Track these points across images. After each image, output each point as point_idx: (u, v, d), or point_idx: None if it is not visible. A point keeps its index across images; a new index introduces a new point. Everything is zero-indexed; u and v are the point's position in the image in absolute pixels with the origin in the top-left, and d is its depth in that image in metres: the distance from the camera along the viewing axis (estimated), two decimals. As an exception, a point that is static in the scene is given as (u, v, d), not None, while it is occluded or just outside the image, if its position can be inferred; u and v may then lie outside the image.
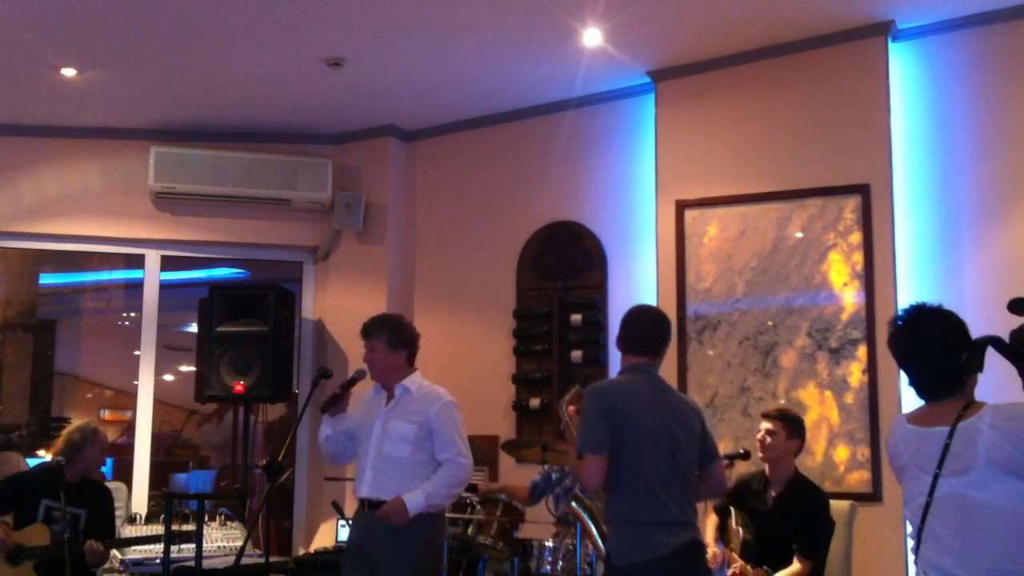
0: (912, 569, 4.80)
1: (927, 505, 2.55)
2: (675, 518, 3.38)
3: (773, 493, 4.35)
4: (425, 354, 6.46)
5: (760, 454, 4.41)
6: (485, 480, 6.04)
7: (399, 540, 4.05)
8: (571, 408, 4.63)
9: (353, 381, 4.35)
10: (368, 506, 4.15)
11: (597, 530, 4.14)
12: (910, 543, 2.66)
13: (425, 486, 4.05)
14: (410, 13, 5.08)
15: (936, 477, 2.53)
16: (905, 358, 2.70)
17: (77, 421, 4.98)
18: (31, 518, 4.66)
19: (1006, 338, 2.49)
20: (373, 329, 4.31)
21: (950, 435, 2.52)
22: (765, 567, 4.12)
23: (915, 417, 2.68)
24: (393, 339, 4.28)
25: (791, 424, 4.37)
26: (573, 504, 4.23)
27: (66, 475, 4.59)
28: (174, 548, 4.81)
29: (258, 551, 5.34)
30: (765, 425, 4.39)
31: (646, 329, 3.62)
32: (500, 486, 5.36)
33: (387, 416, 4.23)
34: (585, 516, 4.17)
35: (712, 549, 4.17)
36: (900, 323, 2.71)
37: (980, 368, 2.59)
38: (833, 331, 5.23)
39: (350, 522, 4.33)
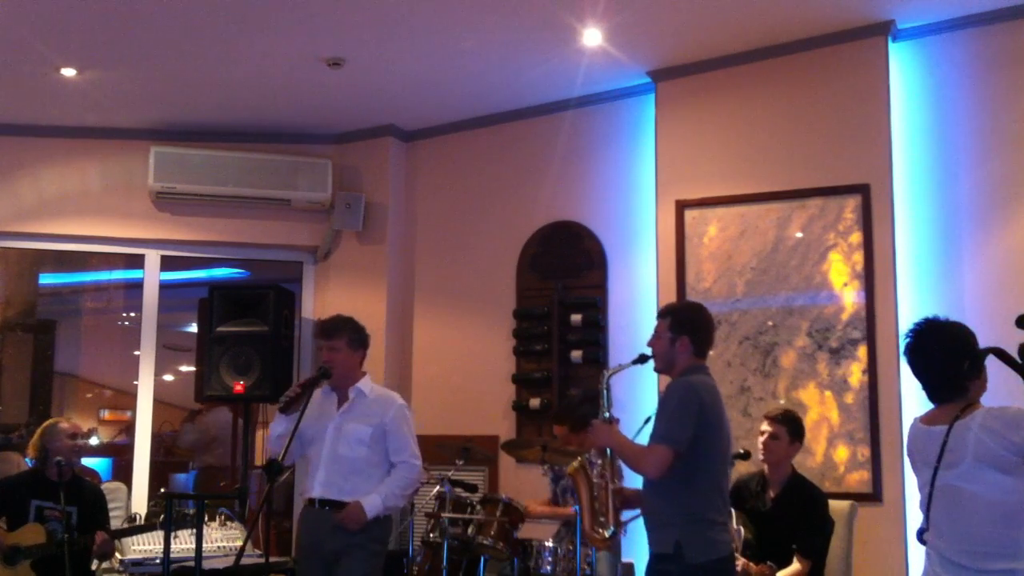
0: (912, 568, 4.81)
1: (930, 495, 2.88)
2: (728, 518, 3.66)
3: (771, 494, 4.35)
4: (425, 354, 6.58)
5: (761, 456, 4.41)
6: (484, 480, 6.04)
7: (353, 540, 4.08)
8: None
9: (316, 381, 4.27)
10: (319, 505, 4.18)
11: (589, 504, 3.89)
12: (911, 533, 2.99)
13: (381, 489, 4.07)
14: (410, 13, 5.08)
15: (936, 470, 2.86)
16: (914, 369, 3.05)
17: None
18: (23, 520, 4.68)
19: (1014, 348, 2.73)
20: (336, 329, 4.30)
21: (947, 433, 2.84)
22: (769, 563, 4.12)
23: (925, 418, 3.03)
24: (354, 339, 4.30)
25: (794, 428, 4.38)
26: (578, 468, 3.95)
27: (50, 474, 4.66)
28: (174, 546, 4.80)
29: (258, 551, 5.34)
30: (768, 428, 4.38)
31: (713, 332, 3.78)
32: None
33: (342, 418, 4.25)
34: (584, 487, 3.93)
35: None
36: (909, 337, 3.03)
37: (978, 376, 2.93)
38: (833, 331, 5.23)
39: (300, 522, 4.32)
